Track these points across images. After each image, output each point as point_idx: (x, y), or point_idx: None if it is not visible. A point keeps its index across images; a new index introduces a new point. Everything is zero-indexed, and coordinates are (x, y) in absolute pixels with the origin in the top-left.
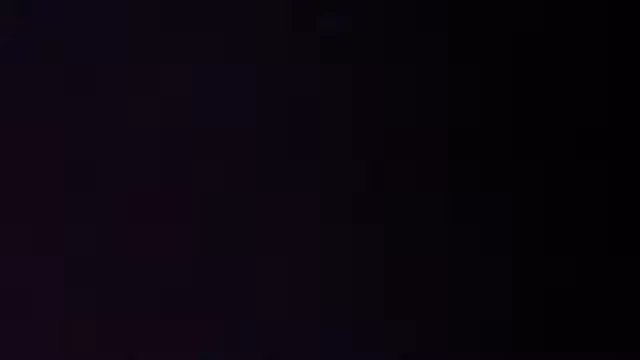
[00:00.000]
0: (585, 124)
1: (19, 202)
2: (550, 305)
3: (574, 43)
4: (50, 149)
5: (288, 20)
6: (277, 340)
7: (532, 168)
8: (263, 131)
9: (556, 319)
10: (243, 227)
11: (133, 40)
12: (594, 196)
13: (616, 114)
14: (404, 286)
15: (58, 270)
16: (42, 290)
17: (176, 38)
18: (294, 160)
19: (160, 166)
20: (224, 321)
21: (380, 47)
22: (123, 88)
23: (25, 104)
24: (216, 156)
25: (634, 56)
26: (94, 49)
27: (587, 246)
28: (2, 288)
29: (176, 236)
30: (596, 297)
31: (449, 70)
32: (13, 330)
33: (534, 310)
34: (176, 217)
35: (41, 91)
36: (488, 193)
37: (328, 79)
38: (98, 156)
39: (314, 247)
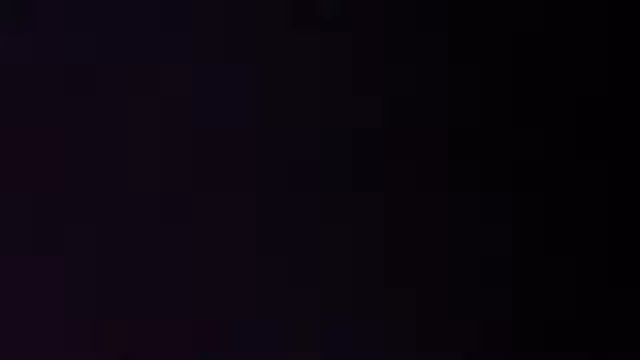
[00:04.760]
0: (585, 124)
1: (19, 202)
2: (550, 305)
3: (574, 43)
4: (50, 149)
5: (288, 18)
6: (277, 340)
7: (532, 168)
8: (263, 131)
9: (556, 319)
10: (243, 227)
11: (133, 40)
12: (594, 196)
13: (616, 114)
14: (404, 286)
15: (58, 270)
16: (42, 290)
17: (176, 38)
18: (294, 160)
19: (160, 166)
20: (224, 321)
21: (380, 47)
22: (123, 88)
23: (25, 104)
24: (216, 156)
25: (634, 56)
26: (94, 49)
27: (587, 246)
28: (2, 288)
29: (176, 236)
30: (596, 297)
31: (449, 70)
32: (13, 330)
33: (534, 310)
34: (176, 217)
35: (41, 91)
36: (488, 193)
37: (328, 79)
38: (98, 156)
39: (314, 247)
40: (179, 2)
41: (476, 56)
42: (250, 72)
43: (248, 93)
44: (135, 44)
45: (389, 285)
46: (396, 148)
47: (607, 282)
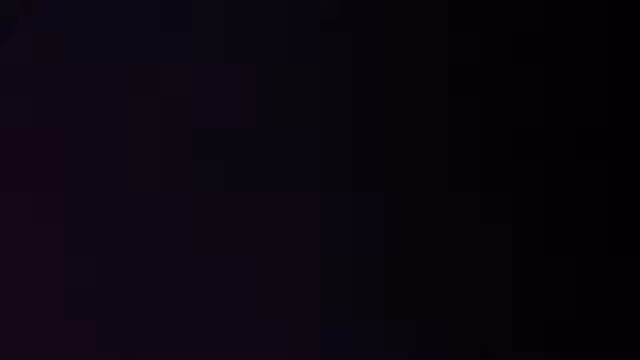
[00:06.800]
0: (585, 124)
1: (19, 202)
2: (550, 305)
3: (574, 43)
4: (50, 149)
5: (288, 18)
6: (277, 340)
7: (532, 168)
8: (263, 131)
9: (556, 319)
10: (243, 227)
11: (133, 40)
12: (594, 196)
13: (616, 114)
14: (404, 286)
15: (58, 270)
16: (42, 290)
17: (176, 38)
18: (294, 160)
19: (160, 166)
20: (224, 321)
21: (380, 47)
22: (123, 88)
23: (25, 104)
24: (216, 156)
25: (634, 56)
26: (94, 49)
27: (587, 246)
28: (2, 288)
29: (176, 236)
30: (596, 297)
31: (449, 70)
32: (13, 330)
33: (534, 310)
34: (176, 217)
35: (41, 91)
36: (488, 193)
37: (328, 79)
38: (98, 156)
39: (314, 246)
40: (179, 2)
41: (476, 56)
42: (250, 72)
43: (248, 93)
44: (135, 44)
45: (389, 285)
46: (396, 148)
47: (607, 282)
